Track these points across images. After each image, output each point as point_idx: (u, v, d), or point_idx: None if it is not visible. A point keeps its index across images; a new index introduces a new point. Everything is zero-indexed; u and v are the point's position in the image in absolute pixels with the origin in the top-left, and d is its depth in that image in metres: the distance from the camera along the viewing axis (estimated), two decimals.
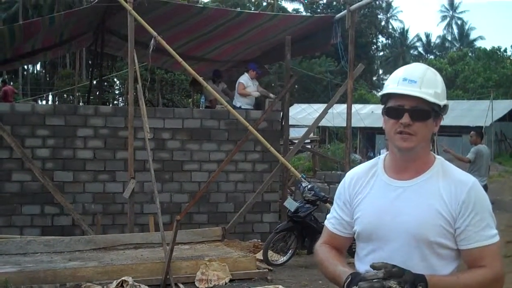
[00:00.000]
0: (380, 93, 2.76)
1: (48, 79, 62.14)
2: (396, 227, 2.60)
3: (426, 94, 2.57)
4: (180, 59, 10.54)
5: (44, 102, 51.23)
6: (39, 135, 11.52)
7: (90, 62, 52.23)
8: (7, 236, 10.47)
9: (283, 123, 13.63)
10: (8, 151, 11.21)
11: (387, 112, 2.65)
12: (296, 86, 54.51)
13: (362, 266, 2.72)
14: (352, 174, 2.88)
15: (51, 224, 11.51)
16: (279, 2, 73.91)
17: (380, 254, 2.63)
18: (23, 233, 11.19)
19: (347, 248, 2.95)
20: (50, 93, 51.34)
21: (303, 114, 32.49)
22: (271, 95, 14.06)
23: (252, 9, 66.08)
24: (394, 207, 2.63)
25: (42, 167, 11.30)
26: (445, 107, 2.65)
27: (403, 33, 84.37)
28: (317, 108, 26.07)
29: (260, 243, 11.22)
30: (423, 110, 2.58)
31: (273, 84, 41.32)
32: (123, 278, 7.80)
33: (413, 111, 2.57)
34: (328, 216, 2.95)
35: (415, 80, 2.60)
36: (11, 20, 53.37)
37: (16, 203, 11.39)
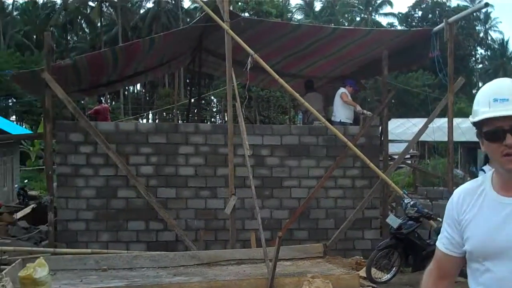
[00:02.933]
0: (472, 120, 2.64)
1: (147, 98, 64.10)
2: (511, 245, 2.51)
3: None
4: (277, 76, 10.61)
5: (144, 120, 52.75)
6: (142, 152, 11.87)
7: (187, 81, 53.57)
8: (114, 251, 10.82)
9: (381, 138, 13.44)
10: (114, 168, 11.62)
11: (486, 137, 2.56)
12: (393, 101, 53.72)
13: (477, 287, 2.64)
14: (459, 191, 2.80)
15: (155, 240, 11.81)
16: (372, 17, 73.36)
17: (496, 274, 2.55)
18: (129, 248, 11.54)
19: (458, 272, 2.85)
20: (150, 112, 52.87)
21: (401, 129, 31.86)
22: (368, 112, 13.90)
23: (346, 24, 65.82)
24: (507, 224, 2.53)
25: (146, 184, 11.65)
26: None
27: (503, 44, 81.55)
28: (416, 123, 25.51)
29: (363, 260, 11.06)
30: None
31: (368, 99, 40.92)
32: None
33: None
34: (439, 236, 2.88)
35: (507, 98, 2.49)
36: (111, 42, 55.56)
37: (122, 219, 11.77)
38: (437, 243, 2.86)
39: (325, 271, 9.25)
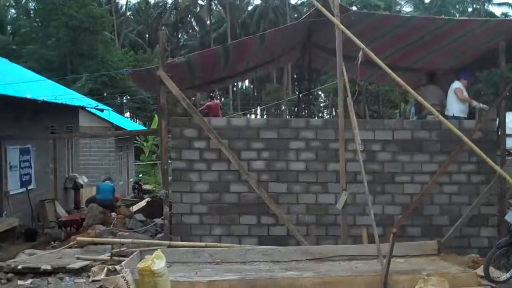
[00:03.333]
0: None
1: (255, 94, 64.76)
2: None
3: None
4: (389, 70, 10.41)
5: (252, 116, 53.37)
6: (254, 148, 12.02)
7: (295, 76, 53.74)
8: (228, 245, 11.04)
9: (499, 133, 12.94)
10: (226, 163, 11.85)
11: None
12: (507, 94, 51.59)
13: None
14: None
15: (267, 234, 11.94)
16: (485, 7, 70.62)
17: None
18: (241, 242, 11.73)
19: None
20: (258, 107, 53.43)
21: None
22: (485, 106, 13.41)
23: (457, 16, 63.81)
24: None
25: (258, 178, 11.80)
26: None
27: None
28: None
29: (480, 258, 10.72)
30: None
31: (482, 92, 39.50)
32: None
33: None
34: None
35: None
36: (220, 39, 56.58)
37: (234, 213, 11.97)
38: None
39: (440, 269, 9.03)
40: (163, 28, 55.97)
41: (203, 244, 11.10)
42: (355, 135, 10.01)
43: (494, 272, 9.53)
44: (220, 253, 10.04)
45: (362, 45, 10.26)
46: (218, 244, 11.18)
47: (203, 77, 14.99)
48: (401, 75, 14.22)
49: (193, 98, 30.22)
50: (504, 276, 9.57)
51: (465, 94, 13.23)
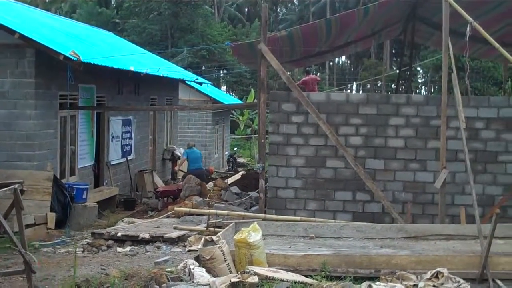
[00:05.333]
0: None
1: (352, 69, 64.00)
2: None
3: None
4: (497, 45, 10.04)
5: (348, 91, 52.82)
6: (352, 123, 11.92)
7: (393, 51, 52.65)
8: (322, 220, 11.05)
9: None
10: (324, 138, 11.81)
11: None
12: None
13: None
14: None
15: (362, 211, 11.86)
16: None
17: None
18: (336, 217, 11.70)
19: None
20: (354, 83, 52.82)
21: None
22: None
23: None
24: None
25: (354, 154, 11.70)
26: None
27: None
28: None
29: None
30: None
31: None
32: (438, 269, 7.69)
33: None
34: None
35: None
36: (319, 13, 56.07)
37: (329, 189, 11.94)
38: None
39: None
40: (263, 2, 56.01)
41: (297, 218, 11.16)
42: (459, 112, 9.74)
43: None
44: (314, 228, 10.05)
45: (471, 19, 9.93)
46: (313, 219, 11.21)
47: (304, 51, 14.93)
48: (509, 51, 13.75)
49: (289, 73, 30.17)
50: None
51: None
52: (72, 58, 11.77)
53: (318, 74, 56.40)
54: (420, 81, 55.89)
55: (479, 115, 11.66)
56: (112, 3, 53.55)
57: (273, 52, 11.61)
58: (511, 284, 7.84)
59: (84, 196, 13.00)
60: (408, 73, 21.80)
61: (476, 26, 9.93)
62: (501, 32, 14.08)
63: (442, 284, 7.48)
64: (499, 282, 7.83)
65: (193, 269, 7.44)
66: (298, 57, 16.20)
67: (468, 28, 9.96)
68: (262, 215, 11.21)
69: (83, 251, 10.25)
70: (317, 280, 7.58)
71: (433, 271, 7.69)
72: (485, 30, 10.28)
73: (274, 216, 11.22)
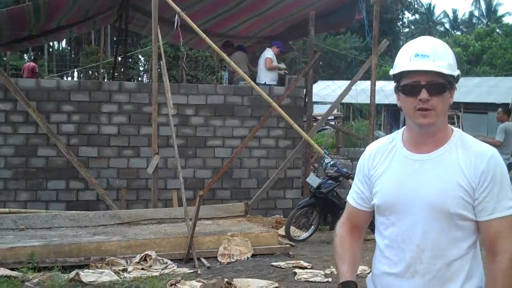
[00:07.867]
0: (392, 72, 2.69)
1: (73, 56, 62.48)
2: (415, 199, 2.60)
3: (441, 67, 2.55)
4: (203, 35, 10.50)
5: (69, 78, 51.51)
6: (64, 110, 11.62)
7: (114, 39, 52.44)
8: (33, 211, 10.63)
9: (306, 100, 13.57)
10: (34, 126, 11.36)
11: (403, 90, 2.62)
12: (321, 63, 54.12)
13: (382, 240, 2.74)
14: (371, 148, 2.88)
15: (76, 199, 11.65)
16: None
17: (400, 228, 2.65)
18: (49, 207, 11.36)
19: (368, 223, 2.95)
20: (75, 70, 51.64)
21: (327, 91, 32.21)
22: (283, 66, 14.03)
23: None
24: (414, 179, 2.63)
25: (67, 142, 11.45)
26: (458, 76, 2.62)
27: (430, 9, 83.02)
28: (342, 85, 25.83)
29: (283, 219, 11.25)
30: (439, 84, 2.56)
31: (297, 61, 41.10)
32: (146, 252, 7.89)
33: (430, 85, 2.54)
34: (350, 191, 2.96)
35: (427, 54, 2.57)
36: None
37: (41, 178, 11.54)
38: (348, 198, 2.95)
39: (245, 229, 9.35)
40: None
41: (6, 210, 10.59)
42: (168, 99, 10.00)
43: (295, 232, 10.08)
44: (25, 219, 9.63)
45: (178, 9, 10.24)
46: (23, 210, 10.73)
47: (11, 34, 14.16)
48: (218, 42, 14.50)
49: (4, 59, 28.58)
50: (304, 234, 10.17)
51: (275, 62, 13.66)
52: None
53: (37, 60, 53.89)
54: (141, 68, 56.39)
55: (189, 102, 12.11)
56: None
57: None
58: (215, 261, 8.33)
59: None
60: (130, 60, 21.82)
61: (184, 16, 10.28)
62: (210, 23, 14.80)
63: (150, 266, 7.69)
64: (204, 260, 8.25)
65: None
66: (8, 40, 15.33)
67: (177, 17, 10.27)
68: None
69: None
70: (22, 272, 7.30)
71: (142, 254, 7.87)
72: (193, 21, 10.70)
73: None
